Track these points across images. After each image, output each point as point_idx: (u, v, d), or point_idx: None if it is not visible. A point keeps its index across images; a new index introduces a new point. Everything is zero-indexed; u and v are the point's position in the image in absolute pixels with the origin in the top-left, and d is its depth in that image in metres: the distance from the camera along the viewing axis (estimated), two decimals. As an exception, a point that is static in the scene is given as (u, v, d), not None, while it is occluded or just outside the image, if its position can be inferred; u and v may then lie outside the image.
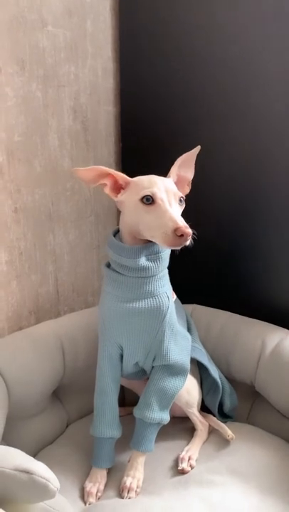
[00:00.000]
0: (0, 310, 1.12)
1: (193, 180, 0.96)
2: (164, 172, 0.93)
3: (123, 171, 0.91)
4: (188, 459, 0.97)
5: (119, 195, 0.90)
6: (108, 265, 0.94)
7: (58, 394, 1.15)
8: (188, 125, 1.22)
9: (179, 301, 1.07)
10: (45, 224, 1.19)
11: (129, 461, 0.96)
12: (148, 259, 0.89)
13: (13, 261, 1.12)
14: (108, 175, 0.88)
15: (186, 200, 0.89)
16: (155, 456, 0.98)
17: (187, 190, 0.95)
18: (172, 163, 0.94)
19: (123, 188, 0.90)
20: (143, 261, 0.88)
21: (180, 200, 0.87)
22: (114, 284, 0.91)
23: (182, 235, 0.80)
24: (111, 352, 0.96)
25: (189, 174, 0.95)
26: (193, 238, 0.82)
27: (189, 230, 0.80)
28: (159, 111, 1.26)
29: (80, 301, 1.34)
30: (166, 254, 0.92)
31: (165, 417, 0.96)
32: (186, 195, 0.90)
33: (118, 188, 0.90)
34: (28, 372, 1.01)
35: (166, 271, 0.95)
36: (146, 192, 0.84)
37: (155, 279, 0.90)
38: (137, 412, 0.96)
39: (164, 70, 1.22)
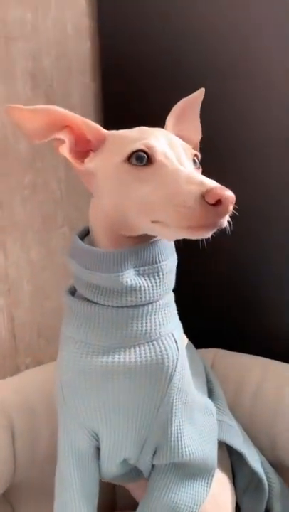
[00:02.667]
0: None
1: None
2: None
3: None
4: None
5: (86, 161, 0.52)
6: (73, 292, 0.56)
7: (8, 498, 0.73)
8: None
9: (192, 347, 0.67)
10: (-11, 236, 0.81)
11: None
12: (139, 273, 0.50)
13: None
14: (67, 125, 0.51)
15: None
16: None
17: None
18: None
19: (92, 150, 0.52)
20: (130, 276, 0.50)
21: (194, 161, 0.50)
22: (80, 321, 0.52)
23: (219, 201, 0.42)
24: (77, 443, 0.55)
25: (194, 132, 0.59)
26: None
27: (230, 192, 0.43)
28: (152, 87, 0.91)
29: (51, 349, 0.93)
30: (170, 264, 0.53)
31: None
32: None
33: (84, 148, 0.53)
34: None
35: (172, 295, 0.55)
36: (137, 145, 0.48)
37: (153, 308, 0.52)
38: None
39: (160, 31, 0.88)
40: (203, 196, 0.42)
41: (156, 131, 0.51)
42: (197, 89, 0.60)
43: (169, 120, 0.58)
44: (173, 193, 0.44)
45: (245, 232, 0.83)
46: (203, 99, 0.60)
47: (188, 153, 0.50)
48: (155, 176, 0.47)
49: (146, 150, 0.47)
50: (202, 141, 0.61)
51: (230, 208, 0.43)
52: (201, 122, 0.61)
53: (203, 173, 0.49)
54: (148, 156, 0.47)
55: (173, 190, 0.45)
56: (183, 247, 0.54)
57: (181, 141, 0.51)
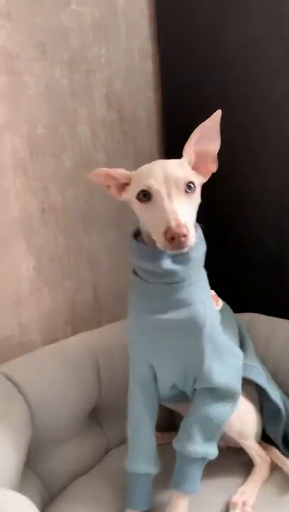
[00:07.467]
0: (30, 320, 1.02)
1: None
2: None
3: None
4: (243, 505, 0.79)
5: (123, 194, 0.76)
6: (135, 272, 0.80)
7: (96, 415, 1.02)
8: (242, 110, 1.04)
9: (228, 310, 0.90)
10: (78, 225, 1.07)
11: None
12: (174, 261, 0.73)
13: (42, 267, 1.02)
14: (109, 175, 0.76)
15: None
16: (201, 498, 0.81)
17: (213, 167, 0.76)
18: None
19: (128, 185, 0.76)
20: (168, 263, 0.73)
21: (188, 187, 0.69)
22: (139, 292, 0.77)
23: (173, 238, 0.64)
24: (142, 372, 0.81)
25: (213, 146, 0.75)
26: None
27: (181, 230, 0.64)
28: (207, 95, 1.10)
29: (124, 309, 1.20)
30: (198, 254, 0.75)
31: (211, 450, 0.79)
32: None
33: (124, 186, 0.77)
34: (55, 392, 0.89)
35: (203, 274, 0.78)
36: (141, 187, 0.70)
37: (187, 284, 0.75)
38: (176, 443, 0.80)
39: (210, 49, 1.06)
40: (164, 233, 0.64)
41: (158, 169, 0.69)
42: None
43: (189, 142, 0.74)
44: (156, 225, 0.67)
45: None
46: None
47: (180, 185, 0.68)
48: (152, 209, 0.68)
49: (147, 189, 0.69)
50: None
51: (186, 241, 0.64)
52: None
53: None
54: (149, 193, 0.69)
55: (156, 223, 0.67)
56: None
57: (176, 174, 0.68)
